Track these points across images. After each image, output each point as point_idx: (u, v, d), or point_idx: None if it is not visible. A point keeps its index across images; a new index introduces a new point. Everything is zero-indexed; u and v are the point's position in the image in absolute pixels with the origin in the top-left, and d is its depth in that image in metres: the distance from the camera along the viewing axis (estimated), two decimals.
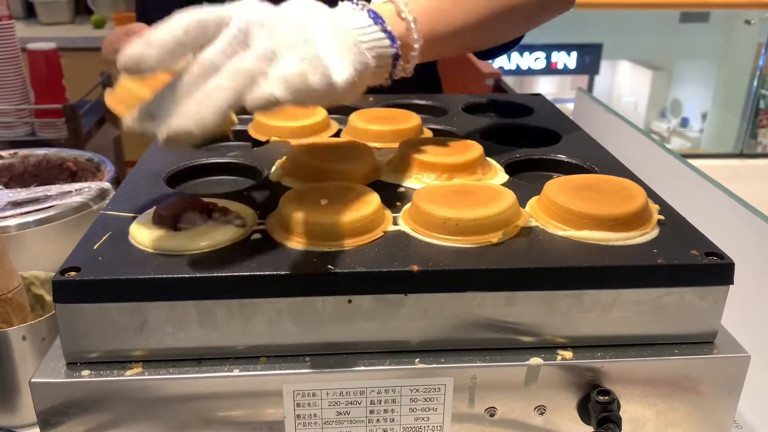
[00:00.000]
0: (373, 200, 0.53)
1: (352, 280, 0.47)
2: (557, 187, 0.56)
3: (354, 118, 0.74)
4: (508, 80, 2.97)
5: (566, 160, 0.69)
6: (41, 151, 0.95)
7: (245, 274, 0.47)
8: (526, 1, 0.66)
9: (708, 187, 0.70)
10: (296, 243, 0.50)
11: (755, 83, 3.55)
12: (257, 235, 0.51)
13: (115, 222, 0.54)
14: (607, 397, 0.49)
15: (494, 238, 0.51)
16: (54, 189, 0.81)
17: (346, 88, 0.47)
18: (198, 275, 0.47)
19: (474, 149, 0.64)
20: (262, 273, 0.47)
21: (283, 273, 0.47)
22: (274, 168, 0.64)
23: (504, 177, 0.63)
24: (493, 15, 0.63)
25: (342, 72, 0.46)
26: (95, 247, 0.50)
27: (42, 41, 1.71)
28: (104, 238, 0.51)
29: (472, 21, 0.62)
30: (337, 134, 0.75)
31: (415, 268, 0.47)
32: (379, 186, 0.61)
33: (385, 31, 0.54)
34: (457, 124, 0.80)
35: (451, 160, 0.62)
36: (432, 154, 0.62)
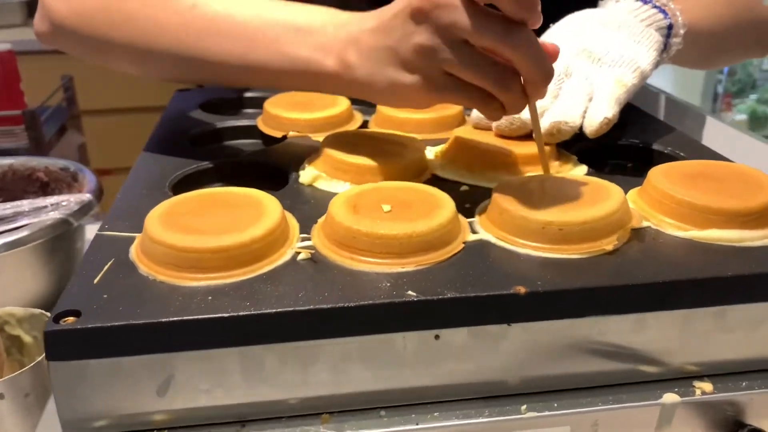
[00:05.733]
0: (447, 204, 0.42)
1: (441, 309, 0.36)
2: (665, 176, 0.45)
3: (384, 107, 0.63)
4: None
5: (641, 145, 0.59)
6: (6, 161, 0.82)
7: (302, 308, 0.35)
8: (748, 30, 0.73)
9: None
10: (359, 263, 0.39)
11: None
12: (305, 254, 0.40)
13: (117, 245, 0.42)
14: None
15: (608, 244, 0.40)
16: (26, 204, 0.68)
17: (651, 68, 0.57)
18: (241, 314, 0.35)
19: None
20: (323, 307, 0.35)
21: (350, 305, 0.36)
22: (304, 168, 0.53)
23: (583, 168, 0.53)
24: (728, 35, 0.70)
25: (647, 59, 0.56)
26: (96, 280, 0.38)
27: None
28: (106, 267, 0.40)
29: (715, 30, 0.67)
30: (364, 126, 0.64)
31: (522, 290, 0.36)
32: (436, 185, 0.50)
33: (655, 6, 0.59)
34: None
35: (521, 150, 0.51)
36: (497, 144, 0.52)
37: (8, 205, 0.69)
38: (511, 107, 0.44)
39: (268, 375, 0.36)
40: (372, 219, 0.40)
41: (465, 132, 0.54)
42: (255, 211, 0.41)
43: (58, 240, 0.66)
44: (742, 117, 3.04)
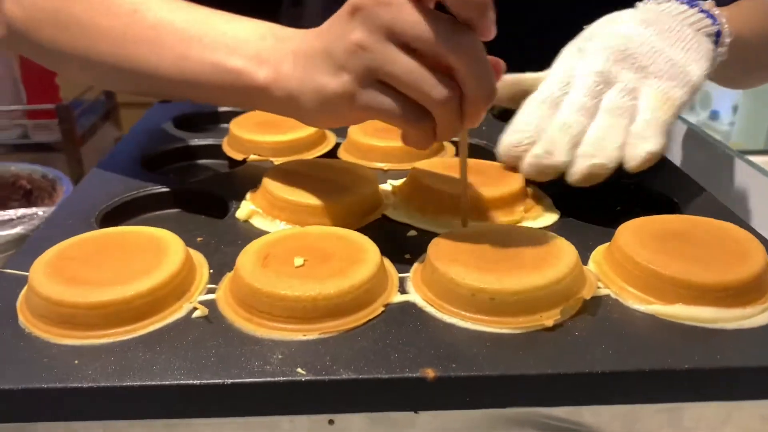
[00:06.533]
0: (371, 259, 0.37)
1: (336, 392, 0.31)
2: (633, 235, 0.39)
3: (354, 130, 0.58)
4: None
5: (634, 187, 0.52)
6: None
7: (173, 383, 0.31)
8: None
9: None
10: (257, 327, 0.34)
11: None
12: (201, 312, 0.36)
13: (12, 287, 0.38)
14: None
15: (548, 319, 0.34)
16: None
17: (702, 82, 0.49)
18: (103, 385, 0.31)
19: (512, 178, 0.47)
20: (192, 383, 0.31)
21: (224, 382, 0.31)
22: (243, 201, 0.48)
23: (554, 214, 0.47)
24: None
25: (698, 70, 0.48)
26: None
27: None
28: None
29: (754, 43, 0.59)
30: (334, 150, 0.59)
31: (431, 373, 0.31)
32: (382, 227, 0.45)
33: (702, 10, 0.52)
34: (486, 135, 0.63)
35: (481, 193, 0.45)
36: (455, 184, 0.46)
37: None
38: (444, 127, 0.39)
39: None
40: (278, 276, 0.35)
41: (425, 167, 0.49)
42: (154, 258, 0.37)
43: None
44: None
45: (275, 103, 0.43)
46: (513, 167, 0.47)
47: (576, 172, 0.45)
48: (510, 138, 0.47)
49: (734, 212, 0.47)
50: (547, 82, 0.48)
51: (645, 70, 0.47)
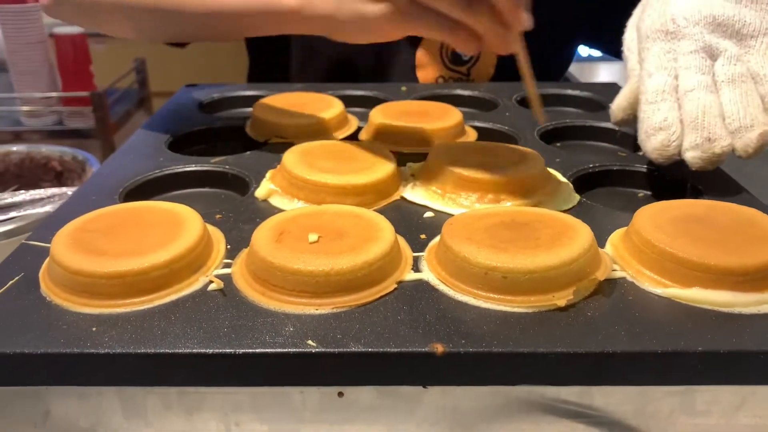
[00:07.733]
0: (385, 237, 0.37)
1: (345, 364, 0.32)
2: (652, 219, 0.39)
3: (376, 114, 0.58)
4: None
5: (659, 173, 0.51)
6: (24, 148, 0.83)
7: (186, 351, 0.32)
8: None
9: None
10: (269, 300, 0.35)
11: None
12: (216, 285, 0.36)
13: (36, 258, 0.39)
14: None
15: (561, 299, 0.34)
16: (20, 196, 0.68)
17: None
18: (118, 351, 0.31)
19: (532, 161, 0.47)
20: (204, 351, 0.31)
21: (236, 352, 0.31)
22: (263, 181, 0.49)
23: (573, 198, 0.46)
24: None
25: None
26: None
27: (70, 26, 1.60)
28: (10, 283, 0.37)
29: None
30: (356, 134, 0.60)
31: (440, 348, 0.31)
32: (400, 208, 0.46)
33: None
34: (509, 121, 0.63)
35: (500, 176, 0.45)
36: (474, 166, 0.46)
37: (6, 195, 0.69)
38: (489, 37, 0.43)
39: (152, 419, 0.33)
40: (292, 251, 0.36)
41: (444, 149, 0.48)
42: (171, 232, 0.38)
43: None
44: None
45: (308, 24, 0.47)
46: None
47: (748, 147, 0.43)
48: (656, 139, 0.45)
49: (752, 194, 0.47)
50: (652, 75, 0.47)
51: (739, 33, 0.46)
